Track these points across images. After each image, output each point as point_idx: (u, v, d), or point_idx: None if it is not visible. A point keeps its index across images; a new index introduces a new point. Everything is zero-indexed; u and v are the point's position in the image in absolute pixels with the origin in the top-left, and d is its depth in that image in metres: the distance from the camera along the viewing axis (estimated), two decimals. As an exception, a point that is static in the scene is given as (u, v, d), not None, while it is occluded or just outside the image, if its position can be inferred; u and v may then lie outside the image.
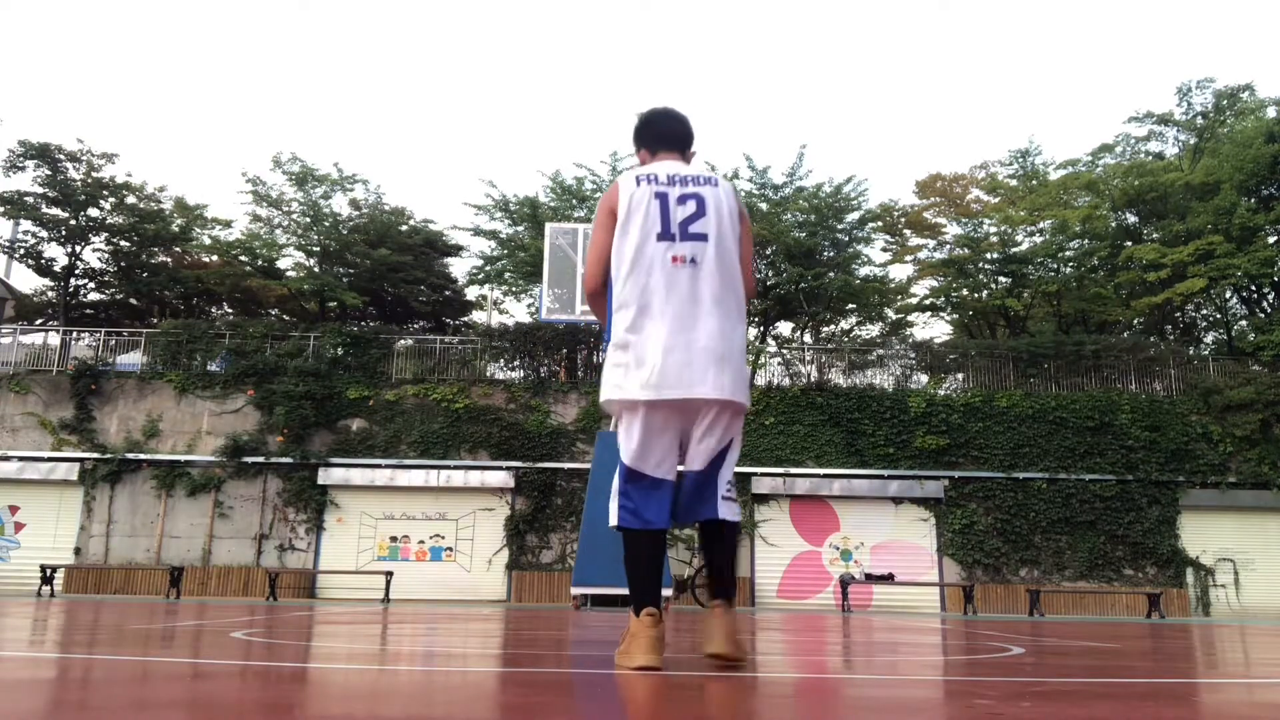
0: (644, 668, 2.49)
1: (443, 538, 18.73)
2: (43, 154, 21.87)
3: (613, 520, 2.73)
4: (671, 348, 2.63)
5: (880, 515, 18.76)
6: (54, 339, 20.82)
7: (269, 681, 2.26)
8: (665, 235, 2.75)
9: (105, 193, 22.61)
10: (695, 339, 2.65)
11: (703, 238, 2.77)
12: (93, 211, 22.80)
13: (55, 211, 22.50)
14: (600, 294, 2.92)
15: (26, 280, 27.14)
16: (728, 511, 2.73)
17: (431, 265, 25.18)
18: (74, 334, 20.89)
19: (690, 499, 2.75)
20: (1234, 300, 24.56)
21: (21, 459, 18.67)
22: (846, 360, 20.77)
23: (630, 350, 2.68)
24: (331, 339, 20.20)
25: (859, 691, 2.12)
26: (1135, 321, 25.01)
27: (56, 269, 23.32)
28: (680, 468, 2.78)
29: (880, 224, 25.99)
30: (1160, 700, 2.13)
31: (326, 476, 18.69)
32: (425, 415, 19.09)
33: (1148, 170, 23.41)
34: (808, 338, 25.95)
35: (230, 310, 25.28)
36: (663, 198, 2.80)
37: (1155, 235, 23.44)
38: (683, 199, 2.81)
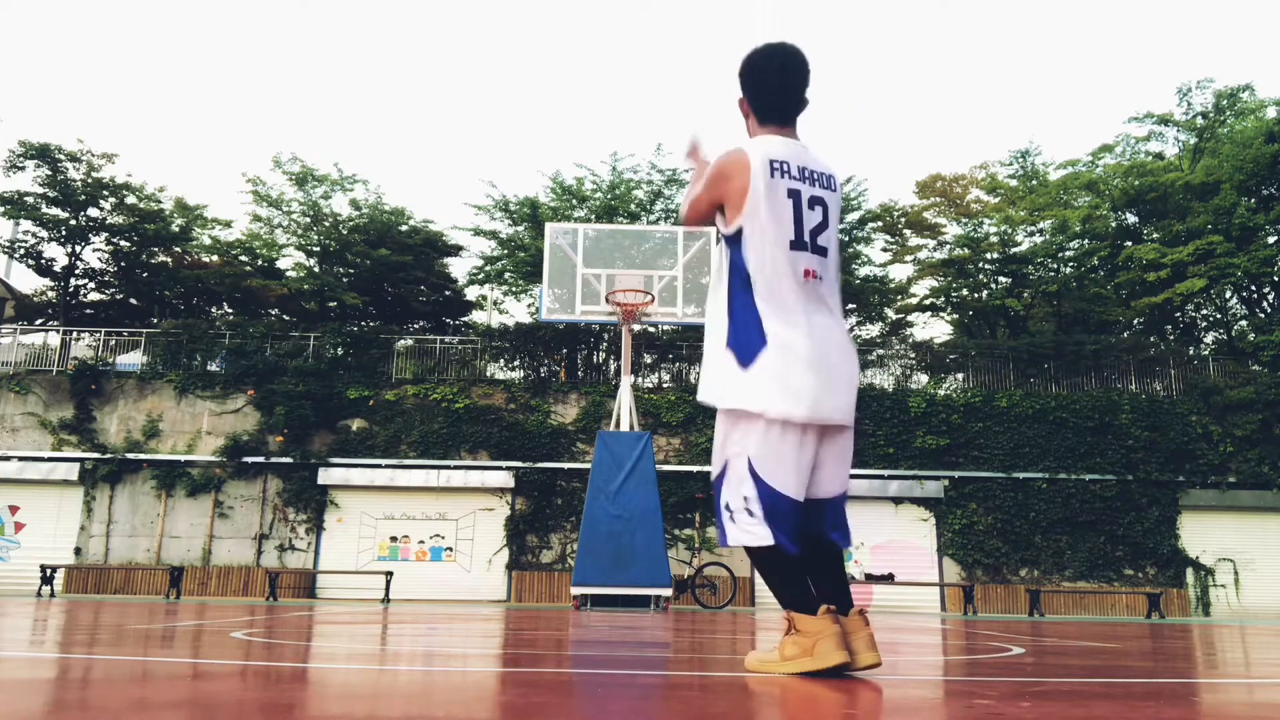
0: (841, 666, 2.36)
1: (443, 538, 18.73)
2: (43, 154, 21.86)
3: (753, 541, 2.44)
4: (817, 367, 2.43)
5: (880, 515, 18.76)
6: (54, 339, 20.81)
7: (269, 681, 2.26)
8: (798, 244, 2.51)
9: (105, 193, 22.60)
10: (830, 359, 2.48)
11: (825, 252, 2.56)
12: (93, 211, 22.81)
13: (55, 211, 22.49)
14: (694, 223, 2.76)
15: (26, 280, 27.15)
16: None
17: (431, 265, 25.16)
18: (74, 334, 20.88)
19: (838, 520, 2.60)
20: (1234, 300, 24.55)
21: (21, 459, 18.68)
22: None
23: (775, 361, 2.43)
24: (331, 339, 20.21)
25: (859, 692, 2.12)
26: (1135, 321, 25.00)
27: (56, 269, 23.31)
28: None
29: (880, 224, 26.00)
30: (1160, 700, 2.13)
31: (326, 476, 18.69)
32: (425, 415, 19.10)
33: (1148, 170, 23.40)
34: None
35: (230, 310, 25.25)
36: (795, 197, 2.53)
37: (1155, 235, 23.43)
38: (813, 203, 2.55)
